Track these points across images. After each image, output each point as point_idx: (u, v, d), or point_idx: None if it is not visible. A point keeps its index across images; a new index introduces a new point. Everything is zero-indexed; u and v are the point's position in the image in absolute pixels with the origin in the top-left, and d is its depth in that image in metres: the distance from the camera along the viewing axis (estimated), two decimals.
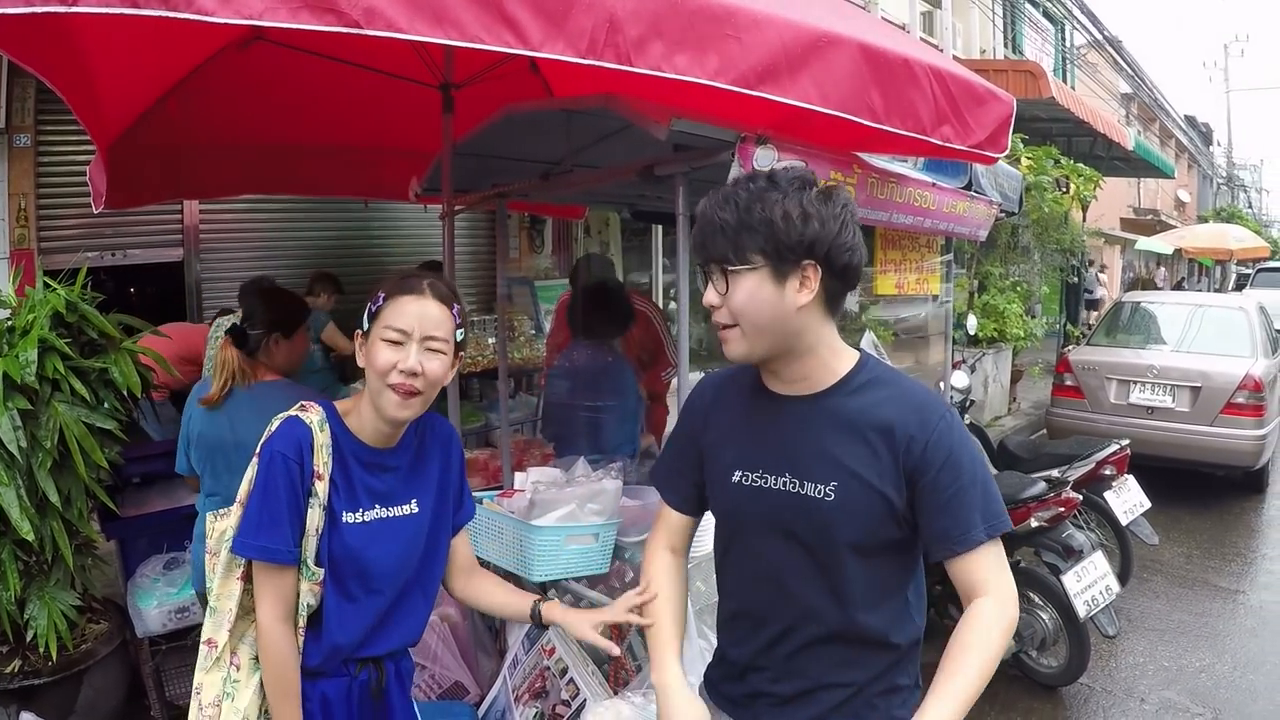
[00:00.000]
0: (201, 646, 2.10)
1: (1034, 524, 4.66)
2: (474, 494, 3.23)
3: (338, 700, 2.15)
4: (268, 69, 4.07)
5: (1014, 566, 4.86)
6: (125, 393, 3.81)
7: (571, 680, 3.08)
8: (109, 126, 3.94)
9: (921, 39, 14.94)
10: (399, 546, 2.19)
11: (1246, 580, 6.63)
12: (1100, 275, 27.17)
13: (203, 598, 3.47)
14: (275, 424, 2.07)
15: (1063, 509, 4.72)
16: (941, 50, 15.36)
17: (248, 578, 2.08)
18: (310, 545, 2.04)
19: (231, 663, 2.10)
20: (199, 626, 3.98)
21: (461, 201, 3.97)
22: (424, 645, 3.79)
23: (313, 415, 2.08)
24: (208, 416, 3.44)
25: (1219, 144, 45.88)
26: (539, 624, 2.45)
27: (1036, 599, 4.79)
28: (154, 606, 4.09)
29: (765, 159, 2.66)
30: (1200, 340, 8.83)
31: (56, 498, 3.55)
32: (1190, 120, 38.88)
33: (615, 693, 2.99)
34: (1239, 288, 22.29)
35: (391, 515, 2.18)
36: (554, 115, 3.34)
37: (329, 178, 5.17)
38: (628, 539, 3.26)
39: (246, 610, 2.11)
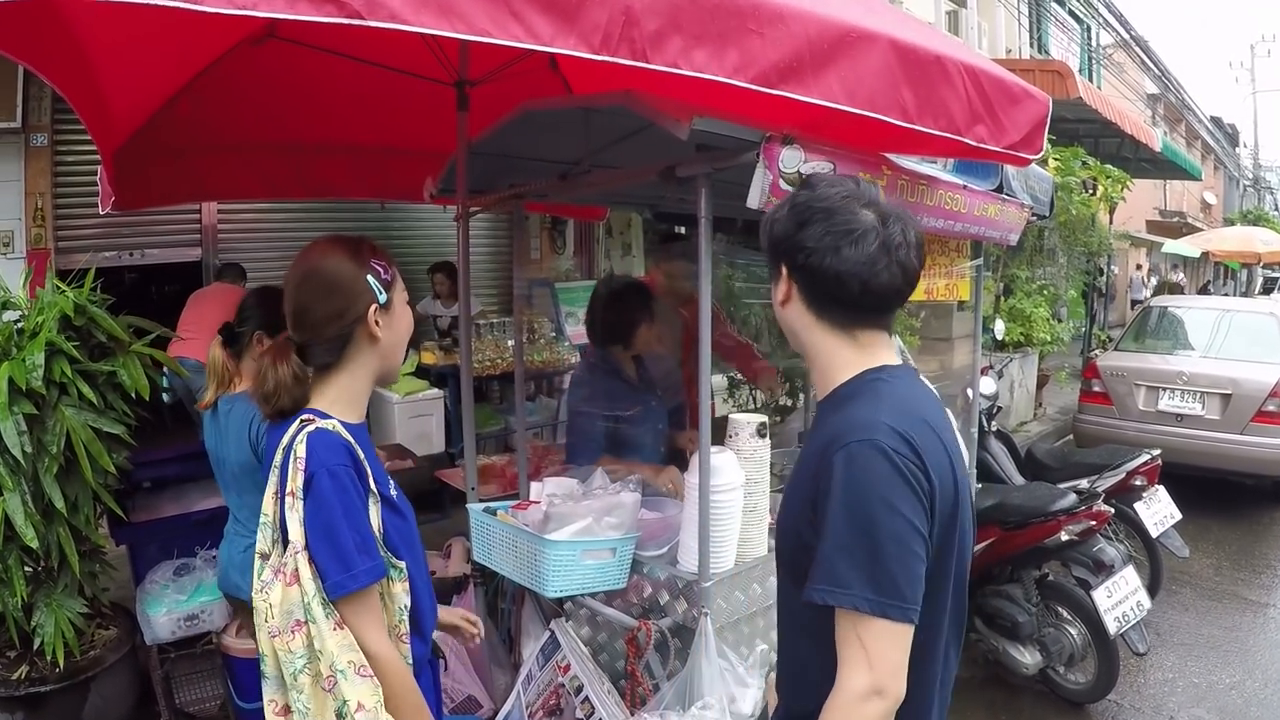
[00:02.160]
0: (356, 715, 1.83)
1: (1064, 537, 4.54)
2: (489, 504, 3.17)
3: (430, 686, 2.17)
4: (281, 67, 4.01)
5: (1042, 580, 4.77)
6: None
7: (587, 698, 3.00)
8: (117, 127, 3.88)
9: None
10: (412, 510, 2.19)
11: (1277, 593, 6.49)
12: (1146, 278, 27.07)
13: (230, 598, 3.49)
14: (299, 447, 1.90)
15: (1094, 522, 4.60)
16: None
17: (340, 623, 1.89)
18: (382, 546, 1.96)
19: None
20: (209, 634, 3.98)
21: (477, 202, 3.87)
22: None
23: (325, 421, 1.96)
24: (209, 429, 3.43)
25: (1245, 145, 45.43)
26: None
27: (1065, 614, 4.67)
28: (163, 614, 4.02)
29: (792, 160, 2.56)
30: (1230, 346, 8.67)
31: (62, 504, 3.50)
32: (1216, 121, 38.52)
33: (632, 713, 2.91)
34: (1266, 291, 22.03)
35: (394, 483, 2.16)
36: (572, 114, 3.26)
37: (343, 179, 5.08)
38: (646, 553, 3.18)
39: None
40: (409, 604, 2.02)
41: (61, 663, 3.58)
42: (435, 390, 6.78)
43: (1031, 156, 3.16)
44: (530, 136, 3.51)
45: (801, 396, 6.07)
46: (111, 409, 3.69)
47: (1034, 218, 4.48)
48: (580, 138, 3.35)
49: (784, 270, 1.78)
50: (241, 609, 3.49)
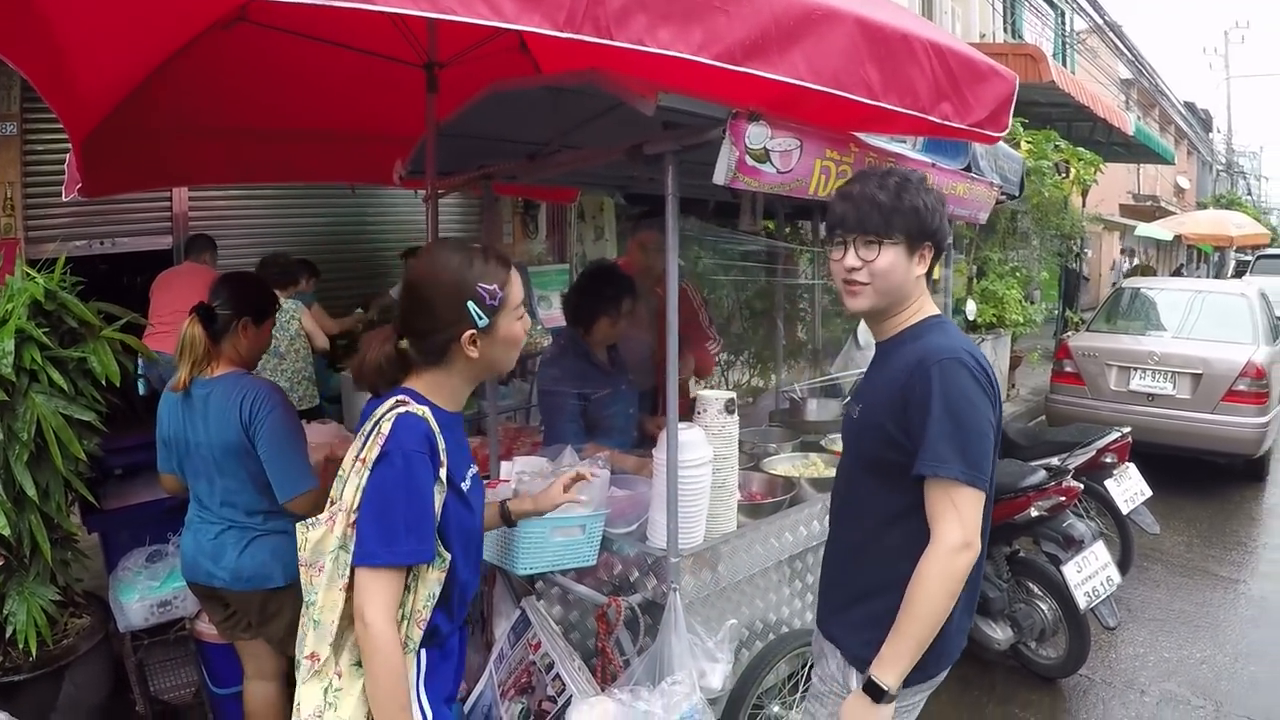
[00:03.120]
0: (302, 661, 2.03)
1: (1034, 513, 4.57)
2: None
3: (455, 654, 2.29)
4: (252, 51, 3.95)
5: (1013, 556, 4.80)
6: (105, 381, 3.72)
7: (558, 675, 3.00)
8: (87, 113, 3.83)
9: None
10: (483, 498, 2.35)
11: (1247, 569, 6.54)
12: (1129, 260, 27.30)
13: (199, 587, 3.43)
14: (385, 425, 2.00)
15: (1063, 498, 4.63)
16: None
17: (351, 586, 2.01)
18: (435, 533, 2.05)
19: (334, 672, 2.04)
20: (182, 620, 3.95)
21: (445, 184, 3.87)
22: None
23: (415, 407, 2.04)
24: (174, 412, 3.33)
25: (1219, 130, 45.70)
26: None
27: (1036, 589, 4.71)
28: (135, 600, 3.98)
29: (758, 137, 2.57)
30: (1201, 327, 8.72)
31: (34, 491, 3.47)
32: (1190, 107, 38.74)
33: (602, 689, 2.92)
34: (1239, 274, 22.19)
35: (475, 472, 2.26)
36: (540, 95, 3.24)
37: (316, 163, 5.03)
38: (616, 530, 3.20)
39: (348, 619, 2.03)
40: (438, 593, 2.08)
41: (34, 651, 3.56)
42: None
43: (997, 134, 3.17)
44: (500, 118, 3.49)
45: (773, 378, 6.08)
46: (82, 395, 3.66)
47: (1004, 197, 4.51)
48: (549, 119, 3.34)
49: (929, 248, 2.25)
50: (209, 598, 3.45)
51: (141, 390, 4.92)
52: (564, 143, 3.54)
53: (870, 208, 2.19)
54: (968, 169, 4.12)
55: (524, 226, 9.22)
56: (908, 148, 3.85)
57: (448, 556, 2.08)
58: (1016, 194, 4.89)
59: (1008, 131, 3.22)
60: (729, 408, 3.16)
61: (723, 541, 3.15)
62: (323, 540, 2.02)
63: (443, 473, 2.04)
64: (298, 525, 2.10)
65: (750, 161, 2.57)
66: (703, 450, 2.98)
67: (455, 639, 2.29)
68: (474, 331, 2.07)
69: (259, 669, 3.54)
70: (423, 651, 2.13)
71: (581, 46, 2.04)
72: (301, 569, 2.06)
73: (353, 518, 1.98)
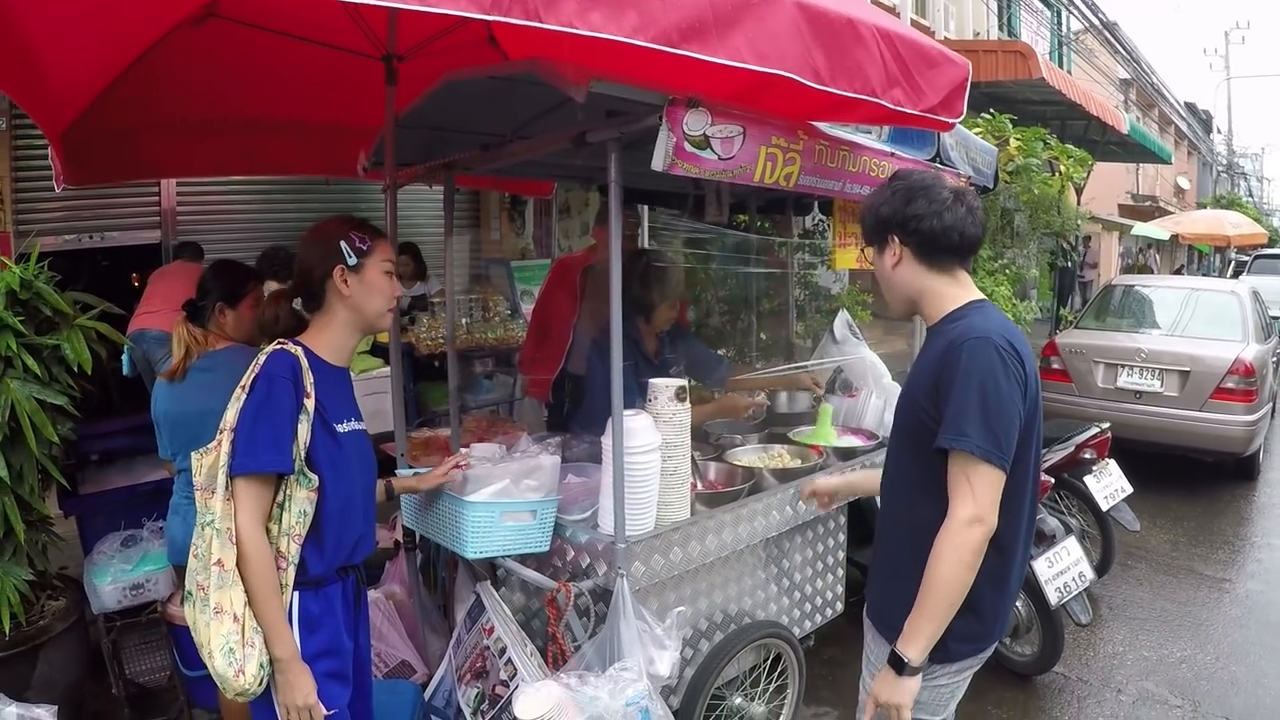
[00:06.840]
0: (212, 569, 2.23)
1: None
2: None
3: (338, 603, 2.49)
4: (222, 47, 3.99)
5: None
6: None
7: (510, 660, 3.02)
8: (63, 109, 3.92)
9: (913, 21, 14.80)
10: (368, 457, 2.62)
11: (1233, 569, 6.49)
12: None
13: (180, 570, 3.43)
14: (261, 358, 2.36)
15: None
16: (932, 30, 15.22)
17: (231, 497, 2.29)
18: (301, 455, 2.33)
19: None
20: (153, 604, 4.01)
21: (404, 175, 3.89)
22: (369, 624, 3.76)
23: (291, 346, 2.40)
24: (170, 393, 3.48)
25: (1219, 131, 45.56)
26: (391, 496, 3.01)
27: None
28: (108, 583, 4.08)
29: (697, 123, 2.58)
30: (1191, 324, 8.68)
31: (6, 473, 3.57)
32: (1190, 107, 38.60)
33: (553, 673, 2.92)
34: (1236, 275, 22.15)
35: (358, 428, 2.56)
36: (498, 87, 3.24)
37: (286, 155, 5.08)
38: (570, 517, 3.21)
39: None
40: (309, 512, 2.37)
41: (7, 631, 3.61)
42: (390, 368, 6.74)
43: (952, 120, 3.18)
44: (459, 110, 3.51)
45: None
46: (56, 381, 3.78)
47: (972, 188, 4.49)
48: (506, 110, 3.35)
49: (895, 239, 2.38)
50: None
51: (125, 370, 5.00)
52: (525, 133, 3.54)
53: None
54: (935, 159, 4.11)
55: (511, 221, 9.22)
56: (872, 138, 3.84)
57: (314, 479, 2.36)
58: (990, 186, 4.87)
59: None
60: (680, 395, 3.15)
61: (674, 529, 3.15)
62: (214, 463, 2.31)
63: (309, 403, 2.36)
64: (192, 454, 2.38)
65: (689, 148, 2.59)
66: (650, 437, 2.98)
67: (336, 593, 2.50)
68: (344, 267, 2.46)
69: None
70: (296, 594, 2.38)
71: (548, 37, 2.09)
72: (198, 494, 2.34)
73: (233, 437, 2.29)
